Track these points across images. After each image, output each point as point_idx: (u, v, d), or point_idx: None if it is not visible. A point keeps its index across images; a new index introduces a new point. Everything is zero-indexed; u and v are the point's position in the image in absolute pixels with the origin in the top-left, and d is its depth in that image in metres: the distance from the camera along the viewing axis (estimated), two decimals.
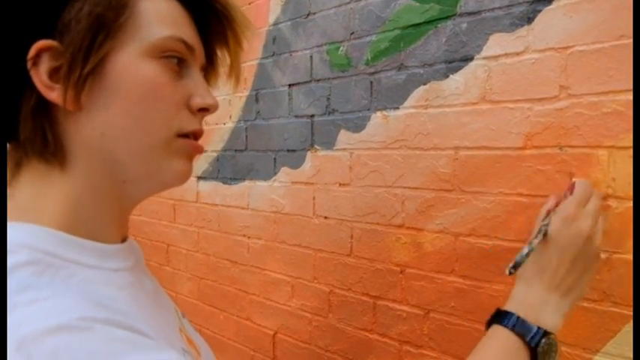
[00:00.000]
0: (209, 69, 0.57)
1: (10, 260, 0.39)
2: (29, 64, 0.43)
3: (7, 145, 0.47)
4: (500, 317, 0.60)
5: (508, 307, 0.61)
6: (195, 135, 0.51)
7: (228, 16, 0.53)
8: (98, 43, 0.43)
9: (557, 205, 0.66)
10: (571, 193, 0.66)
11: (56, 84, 0.44)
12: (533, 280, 0.61)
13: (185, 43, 0.48)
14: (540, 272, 0.61)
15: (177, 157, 0.49)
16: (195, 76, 0.50)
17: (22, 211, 0.45)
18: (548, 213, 0.66)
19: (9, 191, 0.47)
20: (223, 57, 0.57)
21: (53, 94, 0.44)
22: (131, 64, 0.45)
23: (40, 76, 0.43)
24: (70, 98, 0.43)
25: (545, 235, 0.63)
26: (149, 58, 0.46)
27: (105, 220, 0.49)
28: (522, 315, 0.59)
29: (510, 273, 0.61)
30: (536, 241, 0.62)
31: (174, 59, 0.48)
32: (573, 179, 0.70)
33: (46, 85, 0.43)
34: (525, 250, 0.61)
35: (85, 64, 0.43)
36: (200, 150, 0.52)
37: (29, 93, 0.44)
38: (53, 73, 0.44)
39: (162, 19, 0.47)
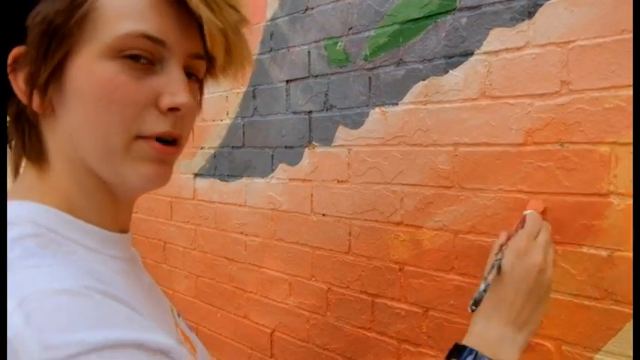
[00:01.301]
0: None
1: (15, 231, 0.40)
2: (9, 71, 0.44)
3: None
4: (460, 352, 0.60)
5: (467, 342, 0.61)
6: (172, 136, 0.47)
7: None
8: (52, 49, 0.43)
9: (508, 239, 0.67)
10: (522, 226, 0.67)
11: (32, 89, 0.45)
12: (491, 314, 0.62)
13: (150, 37, 0.44)
14: (497, 306, 0.62)
15: (139, 160, 0.46)
16: (171, 70, 0.46)
17: (28, 191, 0.46)
18: (501, 248, 0.67)
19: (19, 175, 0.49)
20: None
21: (30, 99, 0.45)
22: (86, 67, 0.43)
23: (17, 82, 0.45)
24: (36, 103, 0.44)
25: (499, 269, 0.63)
26: (106, 58, 0.43)
27: (100, 209, 0.49)
28: (482, 351, 0.59)
29: (472, 310, 0.62)
30: (490, 277, 0.63)
31: (138, 58, 0.44)
32: (524, 212, 0.71)
33: (22, 90, 0.44)
34: (482, 287, 0.62)
35: (43, 70, 0.43)
36: (165, 152, 0.47)
37: (12, 98, 0.46)
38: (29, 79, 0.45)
39: (123, 14, 0.43)
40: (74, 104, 0.44)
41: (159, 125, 0.45)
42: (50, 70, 0.43)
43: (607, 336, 0.73)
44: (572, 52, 0.75)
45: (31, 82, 0.44)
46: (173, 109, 0.45)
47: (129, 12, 0.43)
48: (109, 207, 0.50)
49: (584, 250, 0.75)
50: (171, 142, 0.47)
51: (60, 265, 0.40)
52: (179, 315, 0.63)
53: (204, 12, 0.44)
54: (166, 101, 0.45)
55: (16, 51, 0.44)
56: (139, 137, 0.45)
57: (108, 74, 0.43)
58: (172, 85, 0.45)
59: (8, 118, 0.48)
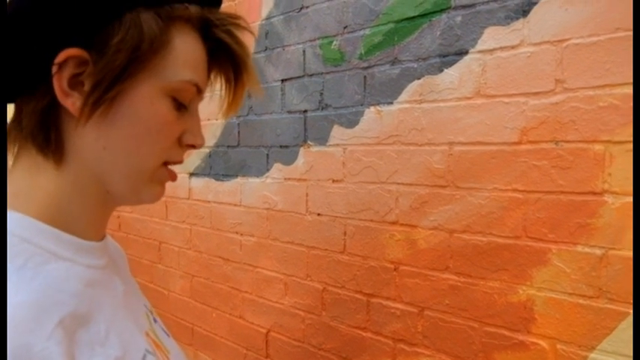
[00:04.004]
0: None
1: None
2: (54, 68, 0.44)
3: (9, 125, 0.49)
4: None
5: None
6: (179, 163, 0.55)
7: (240, 66, 0.55)
8: (127, 74, 0.45)
9: None
10: None
11: (73, 91, 0.45)
12: None
13: (199, 89, 0.51)
14: None
15: (156, 182, 0.53)
16: (195, 113, 0.54)
17: (11, 198, 0.46)
18: None
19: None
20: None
21: (68, 100, 0.45)
22: (148, 98, 0.47)
23: (61, 81, 0.44)
24: (85, 113, 0.45)
25: None
26: (164, 94, 0.48)
27: (87, 218, 0.50)
28: None
29: None
30: None
31: (182, 104, 0.51)
32: None
33: (64, 91, 0.45)
34: None
35: (108, 90, 0.45)
36: (174, 178, 0.55)
37: (44, 90, 0.45)
38: (72, 80, 0.45)
39: (187, 62, 0.49)
40: (124, 124, 0.47)
41: (178, 155, 0.53)
42: (115, 94, 0.45)
43: (602, 335, 0.73)
44: (567, 51, 0.75)
45: (87, 95, 0.44)
46: (190, 146, 0.54)
47: (191, 61, 0.49)
48: (97, 217, 0.52)
49: (579, 248, 0.75)
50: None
51: (17, 292, 0.39)
52: (155, 321, 0.62)
53: (248, 65, 0.55)
54: (190, 139, 0.53)
55: (73, 52, 0.44)
56: (163, 164, 0.52)
57: (163, 110, 0.48)
58: (195, 127, 0.54)
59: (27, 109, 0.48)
